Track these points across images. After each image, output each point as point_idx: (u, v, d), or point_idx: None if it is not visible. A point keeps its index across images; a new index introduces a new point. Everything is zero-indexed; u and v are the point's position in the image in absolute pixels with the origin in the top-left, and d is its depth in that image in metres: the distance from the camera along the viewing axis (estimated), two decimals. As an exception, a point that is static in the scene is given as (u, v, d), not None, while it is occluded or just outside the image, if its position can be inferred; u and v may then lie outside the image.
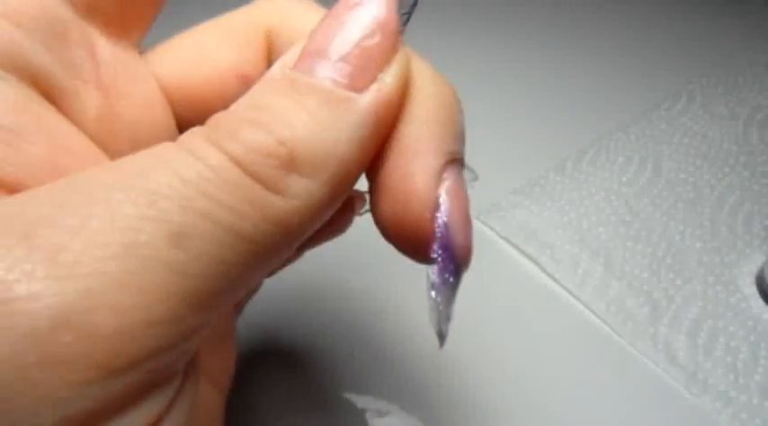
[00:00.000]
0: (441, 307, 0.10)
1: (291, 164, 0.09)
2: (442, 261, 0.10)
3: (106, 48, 0.11)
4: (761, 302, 0.26)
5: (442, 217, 0.10)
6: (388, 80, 0.10)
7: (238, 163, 0.08)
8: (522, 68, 0.39)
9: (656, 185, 0.31)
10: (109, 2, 0.11)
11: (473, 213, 0.29)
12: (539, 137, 0.34)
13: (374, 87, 0.09)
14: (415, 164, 0.10)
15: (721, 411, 0.23)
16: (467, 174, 0.14)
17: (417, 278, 0.23)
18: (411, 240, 0.10)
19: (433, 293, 0.10)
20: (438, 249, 0.10)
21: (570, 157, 0.33)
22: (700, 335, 0.25)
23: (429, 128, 0.10)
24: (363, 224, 0.20)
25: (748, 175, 0.32)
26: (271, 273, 0.15)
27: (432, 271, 0.10)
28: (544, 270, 0.27)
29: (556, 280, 0.27)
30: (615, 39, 0.42)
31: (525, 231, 0.29)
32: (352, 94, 0.09)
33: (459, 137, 0.10)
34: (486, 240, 0.29)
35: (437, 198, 0.10)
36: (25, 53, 0.09)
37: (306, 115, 0.09)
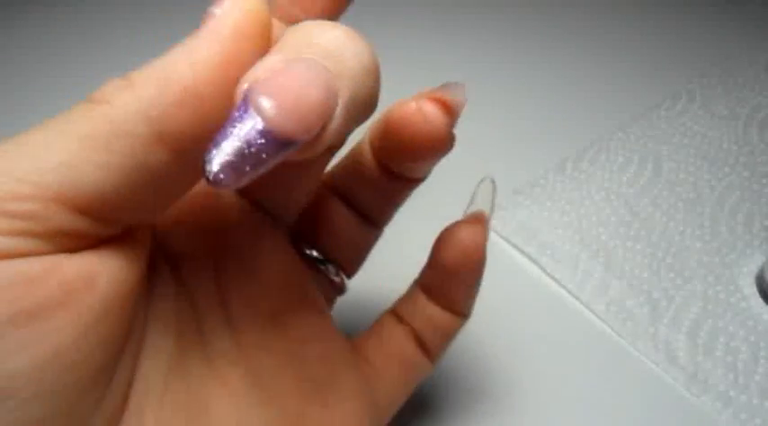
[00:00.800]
0: (224, 147, 0.10)
1: (127, 83, 0.11)
2: (240, 114, 0.11)
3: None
4: (761, 302, 0.26)
5: (253, 89, 0.11)
6: (216, 11, 0.12)
7: (88, 98, 0.11)
8: (522, 68, 0.39)
9: (656, 185, 0.31)
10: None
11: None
12: (539, 137, 0.34)
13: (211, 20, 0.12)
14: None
15: (721, 411, 0.23)
16: (457, 93, 0.15)
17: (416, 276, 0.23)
18: (227, 108, 0.11)
19: (221, 137, 0.11)
20: (239, 106, 0.11)
21: (570, 157, 0.33)
22: (700, 335, 0.25)
23: (284, 40, 0.12)
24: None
25: (748, 175, 0.32)
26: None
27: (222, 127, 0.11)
28: (544, 270, 0.27)
29: (556, 280, 0.27)
30: (615, 40, 0.42)
31: (525, 231, 0.29)
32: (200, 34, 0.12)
33: (314, 45, 0.12)
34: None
35: (252, 77, 0.11)
36: None
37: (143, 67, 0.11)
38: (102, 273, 0.11)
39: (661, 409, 0.23)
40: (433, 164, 0.17)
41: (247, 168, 0.11)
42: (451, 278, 0.17)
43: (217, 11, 0.12)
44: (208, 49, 0.11)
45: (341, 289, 0.19)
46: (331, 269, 0.18)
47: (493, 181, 0.19)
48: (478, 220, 0.18)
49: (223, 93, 0.11)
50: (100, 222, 0.11)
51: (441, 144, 0.15)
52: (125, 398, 0.13)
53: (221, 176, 0.10)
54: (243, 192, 0.16)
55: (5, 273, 0.10)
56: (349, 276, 0.19)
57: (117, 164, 0.11)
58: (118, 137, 0.11)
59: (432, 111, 0.15)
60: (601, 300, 0.26)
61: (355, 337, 0.19)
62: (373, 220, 0.18)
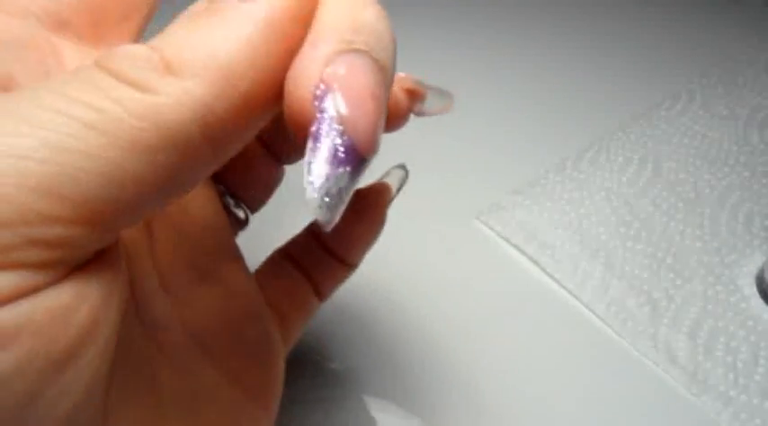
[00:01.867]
0: (320, 195, 0.09)
1: (166, 66, 0.09)
2: (321, 138, 0.09)
3: (74, 55, 0.12)
4: (761, 302, 0.26)
5: (325, 98, 0.10)
6: None
7: (103, 67, 0.09)
8: (521, 68, 0.39)
9: (656, 185, 0.31)
10: (78, 18, 0.12)
11: (474, 213, 0.29)
12: (539, 137, 0.34)
13: None
14: (302, 52, 0.10)
15: (721, 411, 0.23)
16: (440, 98, 0.15)
17: (417, 278, 0.23)
18: (296, 121, 0.10)
19: (307, 173, 0.10)
20: (320, 128, 0.10)
21: (570, 157, 0.33)
22: (700, 335, 0.25)
23: (320, 25, 0.10)
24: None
25: (748, 175, 0.32)
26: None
27: (310, 149, 0.10)
28: (544, 270, 0.27)
29: (556, 280, 0.27)
30: (615, 40, 0.42)
31: (525, 231, 0.29)
32: (238, 5, 0.10)
33: (360, 30, 0.10)
34: (486, 240, 0.29)
35: (318, 81, 0.10)
36: None
37: (183, 29, 0.10)
38: (116, 289, 0.10)
39: (661, 409, 0.23)
40: None
41: (345, 198, 0.10)
42: (354, 225, 0.18)
43: None
44: (270, 43, 0.10)
45: (244, 224, 0.19)
46: (231, 201, 0.18)
47: (407, 172, 0.20)
48: (384, 186, 0.18)
49: (278, 88, 0.10)
50: (116, 233, 0.10)
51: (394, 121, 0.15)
52: None
53: (327, 224, 0.10)
54: None
55: (38, 311, 0.08)
56: (254, 210, 0.19)
57: (162, 173, 0.09)
58: (168, 147, 0.09)
59: (401, 99, 0.15)
60: (601, 300, 0.26)
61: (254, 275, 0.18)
62: (280, 156, 0.18)
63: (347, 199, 0.10)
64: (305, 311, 0.18)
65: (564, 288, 0.27)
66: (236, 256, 0.17)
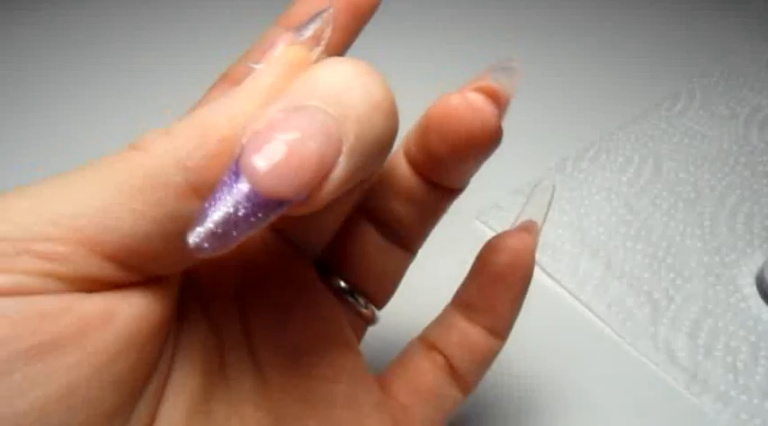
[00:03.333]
0: (210, 216, 0.10)
1: (165, 133, 0.11)
2: (229, 178, 0.11)
3: None
4: (761, 302, 0.26)
5: (248, 143, 0.11)
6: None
7: (132, 144, 0.11)
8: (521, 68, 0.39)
9: (656, 185, 0.31)
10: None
11: (474, 213, 0.29)
12: (539, 137, 0.34)
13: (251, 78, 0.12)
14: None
15: (721, 411, 0.23)
16: (508, 75, 0.14)
17: (417, 278, 0.23)
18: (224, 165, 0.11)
19: (202, 216, 0.10)
20: (231, 168, 0.11)
21: (570, 157, 0.33)
22: (700, 335, 0.25)
23: (288, 89, 0.12)
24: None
25: (748, 175, 0.32)
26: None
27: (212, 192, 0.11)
28: (544, 270, 0.27)
29: (556, 280, 0.27)
30: (615, 39, 0.42)
31: (525, 231, 0.29)
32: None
33: (315, 93, 0.11)
34: (486, 240, 0.29)
35: (251, 129, 0.11)
36: None
37: (184, 118, 0.12)
38: (120, 312, 0.11)
39: (661, 409, 0.23)
40: (479, 165, 0.16)
41: (234, 234, 0.10)
42: (497, 285, 0.16)
43: (257, 66, 0.12)
44: (246, 104, 0.11)
45: (371, 321, 0.18)
46: (360, 300, 0.17)
47: (553, 186, 0.18)
48: (529, 229, 0.17)
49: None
50: (126, 269, 0.11)
51: (489, 137, 0.14)
52: None
53: (205, 245, 0.10)
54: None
55: (20, 308, 0.10)
56: (379, 307, 0.18)
57: (150, 213, 0.11)
58: (153, 187, 0.11)
59: (478, 101, 0.14)
60: (601, 300, 0.26)
61: (383, 370, 0.17)
62: (405, 243, 0.17)
63: (248, 232, 0.11)
64: (442, 407, 0.17)
65: (564, 288, 0.27)
66: (351, 351, 0.16)
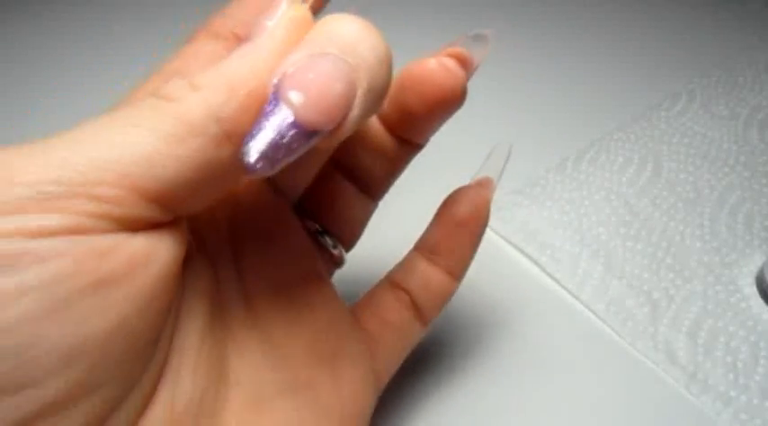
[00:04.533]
0: (259, 139, 0.12)
1: (192, 86, 0.12)
2: (271, 108, 0.12)
3: None
4: (761, 302, 0.26)
5: (282, 83, 0.12)
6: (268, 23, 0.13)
7: (153, 94, 0.13)
8: (521, 68, 0.39)
9: (656, 185, 0.31)
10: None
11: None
12: (539, 137, 0.34)
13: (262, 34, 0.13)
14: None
15: (721, 411, 0.23)
16: (479, 44, 0.17)
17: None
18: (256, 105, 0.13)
19: (249, 138, 0.12)
20: (271, 100, 0.12)
21: (570, 157, 0.33)
22: (700, 335, 0.25)
23: (305, 37, 0.13)
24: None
25: (748, 175, 0.32)
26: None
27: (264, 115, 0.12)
28: (544, 270, 0.27)
29: (556, 280, 0.27)
30: (615, 39, 0.42)
31: (525, 231, 0.29)
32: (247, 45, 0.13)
33: (333, 41, 0.13)
34: (486, 240, 0.29)
35: (281, 73, 0.12)
36: None
37: (206, 71, 0.13)
38: (159, 250, 0.12)
39: (661, 409, 0.23)
40: (442, 123, 0.18)
41: (280, 157, 0.12)
42: (458, 232, 0.19)
43: (268, 22, 0.13)
44: (266, 57, 0.13)
45: (339, 262, 0.20)
46: (330, 241, 0.19)
47: (510, 146, 0.21)
48: (485, 184, 0.19)
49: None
50: (165, 211, 0.12)
51: (458, 98, 0.17)
52: (166, 361, 0.14)
53: (258, 166, 0.12)
54: None
55: (82, 247, 0.11)
56: (347, 249, 0.20)
57: (190, 160, 0.12)
58: (192, 136, 0.12)
59: (451, 65, 0.16)
60: (601, 300, 0.26)
61: (352, 305, 0.19)
62: (371, 192, 0.19)
63: (289, 158, 0.12)
64: (405, 339, 0.19)
65: (564, 288, 0.27)
66: (326, 283, 0.18)
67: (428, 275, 0.19)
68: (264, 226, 0.17)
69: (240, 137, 0.12)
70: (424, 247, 0.19)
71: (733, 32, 0.42)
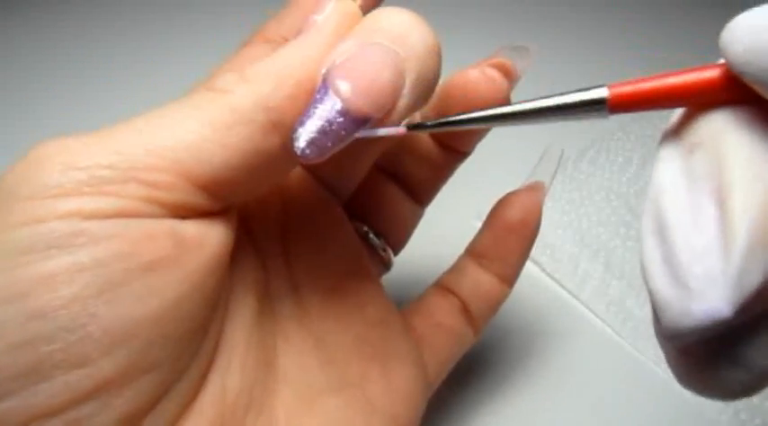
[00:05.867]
0: (308, 125, 0.12)
1: (242, 78, 0.13)
2: (320, 96, 0.12)
3: None
4: (761, 302, 0.26)
5: (332, 70, 0.13)
6: (319, 19, 0.14)
7: (206, 87, 0.13)
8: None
9: (656, 185, 0.31)
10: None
11: (474, 213, 0.29)
12: (539, 137, 0.34)
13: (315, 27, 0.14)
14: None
15: (721, 411, 0.23)
16: (521, 56, 0.17)
17: (417, 278, 0.23)
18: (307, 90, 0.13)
19: (299, 124, 0.12)
20: (320, 89, 0.13)
21: (570, 157, 0.33)
22: (700, 335, 0.25)
23: (354, 28, 0.14)
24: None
25: (748, 175, 0.32)
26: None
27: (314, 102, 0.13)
28: (544, 271, 0.27)
29: (556, 280, 0.27)
30: (615, 39, 0.42)
31: (525, 231, 0.29)
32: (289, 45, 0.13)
33: (379, 31, 0.13)
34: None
35: (330, 62, 0.13)
36: None
37: (261, 59, 0.13)
38: (209, 238, 0.13)
39: (661, 409, 0.23)
40: (486, 131, 0.18)
41: (329, 144, 0.12)
42: (509, 237, 0.19)
43: (318, 17, 0.14)
44: (314, 49, 0.13)
45: (387, 265, 0.20)
46: (379, 244, 0.19)
47: (561, 150, 0.21)
48: (537, 188, 0.19)
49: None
50: (213, 199, 0.13)
51: None
52: (216, 349, 0.14)
53: (307, 151, 0.12)
54: (308, 169, 0.18)
55: (134, 230, 0.12)
56: (395, 253, 0.20)
57: (238, 148, 0.12)
58: (241, 124, 0.12)
59: (494, 75, 0.17)
60: (601, 300, 0.26)
61: (402, 310, 0.19)
62: (419, 197, 0.20)
63: (338, 146, 0.12)
64: (457, 344, 0.19)
65: (564, 288, 0.27)
66: (376, 283, 0.18)
67: (479, 280, 0.19)
68: (315, 224, 0.17)
69: (287, 126, 0.13)
70: (475, 252, 0.19)
71: (733, 32, 0.42)
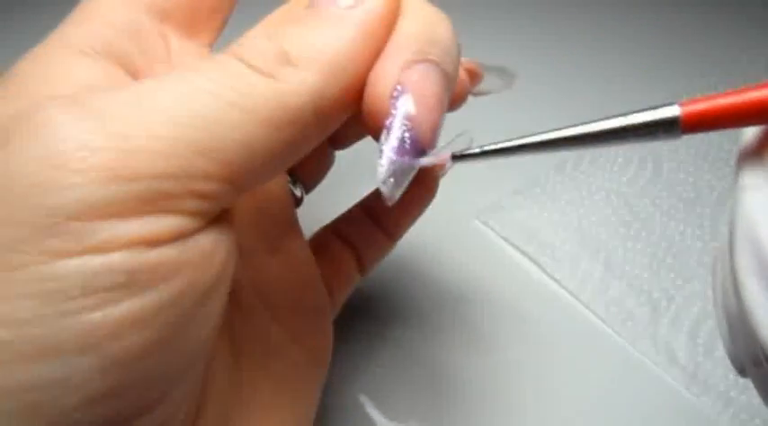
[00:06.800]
0: (386, 175, 0.12)
1: (285, 58, 0.11)
2: (393, 130, 0.12)
3: (178, 42, 0.14)
4: (761, 302, 0.26)
5: (399, 98, 0.12)
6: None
7: (238, 57, 0.11)
8: (521, 68, 0.39)
9: (656, 185, 0.31)
10: (180, 10, 0.14)
11: (474, 213, 0.29)
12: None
13: (361, 5, 0.12)
14: (384, 58, 0.12)
15: (721, 411, 0.23)
16: (501, 77, 0.18)
17: (417, 278, 0.23)
18: (373, 114, 0.12)
19: (378, 158, 0.12)
20: (393, 122, 0.12)
21: (570, 157, 0.33)
22: (700, 335, 0.25)
23: (402, 34, 0.13)
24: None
25: (748, 175, 0.32)
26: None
27: (383, 138, 0.12)
28: (544, 271, 0.27)
29: (556, 280, 0.27)
30: (615, 40, 0.42)
31: (525, 231, 0.29)
32: (340, 10, 0.12)
33: (434, 44, 0.13)
34: (487, 240, 0.29)
35: (396, 83, 0.12)
36: (115, 44, 0.12)
37: (300, 27, 0.12)
38: (227, 243, 0.12)
39: (661, 409, 0.23)
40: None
41: (405, 182, 0.12)
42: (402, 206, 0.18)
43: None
44: (365, 44, 0.12)
45: (298, 202, 0.20)
46: (290, 180, 0.19)
47: (470, 136, 0.20)
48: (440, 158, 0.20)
49: (365, 77, 0.12)
50: (242, 193, 0.12)
51: (458, 102, 0.18)
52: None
53: (396, 196, 0.12)
54: None
55: (191, 253, 0.10)
56: (307, 191, 0.21)
57: (282, 147, 0.11)
58: (289, 123, 0.11)
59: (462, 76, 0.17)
60: (601, 300, 0.26)
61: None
62: (336, 144, 0.20)
63: (408, 180, 0.12)
64: (348, 284, 0.20)
65: (564, 288, 0.27)
66: (298, 230, 0.18)
67: (371, 235, 0.20)
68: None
69: (332, 124, 0.12)
70: (367, 208, 0.20)
71: (733, 33, 0.42)
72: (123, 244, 0.09)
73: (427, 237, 0.28)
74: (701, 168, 0.32)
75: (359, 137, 0.20)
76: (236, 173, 0.11)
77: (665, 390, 0.24)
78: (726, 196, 0.31)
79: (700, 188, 0.31)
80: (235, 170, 0.11)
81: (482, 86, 0.18)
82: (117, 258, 0.09)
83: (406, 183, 0.12)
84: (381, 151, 0.12)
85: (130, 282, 0.09)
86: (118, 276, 0.09)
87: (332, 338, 0.19)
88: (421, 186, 0.19)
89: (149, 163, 0.09)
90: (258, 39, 0.12)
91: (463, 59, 0.17)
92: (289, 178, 0.19)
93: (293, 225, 0.18)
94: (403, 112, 0.12)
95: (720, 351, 0.25)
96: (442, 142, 0.16)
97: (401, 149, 0.12)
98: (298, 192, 0.20)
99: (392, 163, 0.12)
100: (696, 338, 0.25)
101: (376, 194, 0.20)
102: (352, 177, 0.24)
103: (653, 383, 0.24)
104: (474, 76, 0.17)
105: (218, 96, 0.11)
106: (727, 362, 0.24)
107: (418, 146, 0.12)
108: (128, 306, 0.09)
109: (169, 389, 0.10)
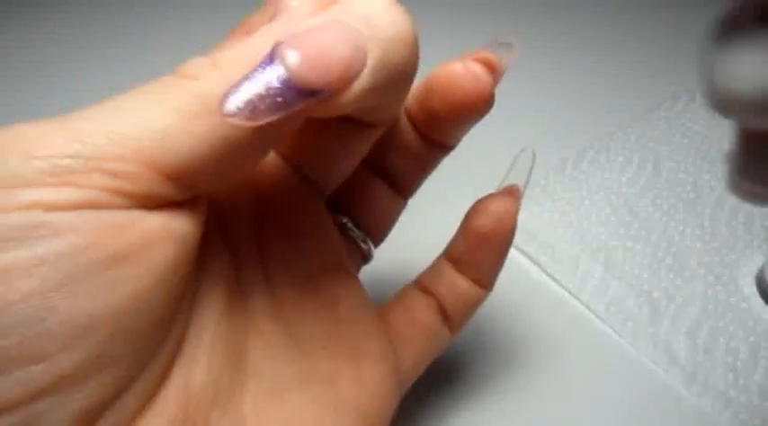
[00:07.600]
0: (244, 88, 0.12)
1: (213, 65, 0.13)
2: (265, 63, 0.12)
3: None
4: (761, 302, 0.26)
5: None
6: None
7: (178, 73, 0.13)
8: (520, 68, 0.39)
9: (656, 185, 0.31)
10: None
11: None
12: (539, 138, 0.34)
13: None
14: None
15: (721, 411, 0.23)
16: (507, 51, 0.17)
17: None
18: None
19: (234, 87, 0.12)
20: (266, 58, 0.12)
21: (570, 157, 0.33)
22: (700, 335, 0.25)
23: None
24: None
25: (748, 175, 0.32)
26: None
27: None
28: (544, 271, 0.27)
29: (556, 280, 0.27)
30: (615, 39, 0.42)
31: (525, 231, 0.29)
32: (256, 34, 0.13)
33: (346, 15, 0.13)
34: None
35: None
36: None
37: (235, 46, 0.13)
38: (176, 228, 0.12)
39: (661, 409, 0.23)
40: (471, 126, 0.18)
41: (262, 107, 0.12)
42: (482, 245, 0.18)
43: (294, 3, 0.14)
44: (287, 31, 0.13)
45: (367, 257, 0.20)
46: (360, 235, 0.19)
47: (533, 153, 0.20)
48: (511, 193, 0.19)
49: None
50: (180, 188, 0.12)
51: (484, 103, 0.16)
52: (180, 342, 0.14)
53: (233, 109, 0.12)
54: (289, 158, 0.17)
55: (97, 221, 0.11)
56: (375, 245, 0.20)
57: (206, 136, 0.12)
58: (208, 112, 0.12)
59: (478, 70, 0.16)
60: (601, 300, 0.26)
61: (380, 305, 0.19)
62: (402, 190, 0.19)
63: (277, 114, 0.12)
64: (433, 343, 0.19)
65: (564, 288, 0.27)
66: (353, 277, 0.18)
67: (455, 282, 0.18)
68: (291, 217, 0.17)
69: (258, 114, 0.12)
70: (450, 257, 0.19)
71: (733, 32, 0.42)
72: (20, 206, 0.11)
73: (427, 237, 0.28)
74: (700, 168, 0.32)
75: (421, 180, 0.20)
76: (152, 157, 0.12)
77: (665, 390, 0.24)
78: (726, 196, 0.31)
79: (700, 188, 0.31)
80: (151, 155, 0.12)
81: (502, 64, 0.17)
82: (14, 216, 0.11)
83: (268, 116, 0.12)
84: (240, 82, 0.12)
85: (22, 236, 0.11)
86: (11, 231, 0.11)
87: (388, 397, 0.17)
88: (494, 232, 0.18)
89: (58, 145, 0.11)
90: (199, 58, 0.13)
91: (474, 53, 0.16)
92: (357, 232, 0.19)
93: (346, 272, 0.18)
94: (281, 51, 0.12)
95: (720, 351, 0.25)
96: (503, 158, 0.16)
97: (270, 85, 0.12)
98: (364, 246, 0.19)
99: (251, 95, 0.12)
100: (696, 338, 0.25)
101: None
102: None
103: (653, 383, 0.24)
104: (492, 68, 0.16)
105: (140, 96, 0.12)
106: (727, 362, 0.24)
107: (295, 85, 0.12)
108: (13, 256, 0.10)
109: (55, 349, 0.11)
